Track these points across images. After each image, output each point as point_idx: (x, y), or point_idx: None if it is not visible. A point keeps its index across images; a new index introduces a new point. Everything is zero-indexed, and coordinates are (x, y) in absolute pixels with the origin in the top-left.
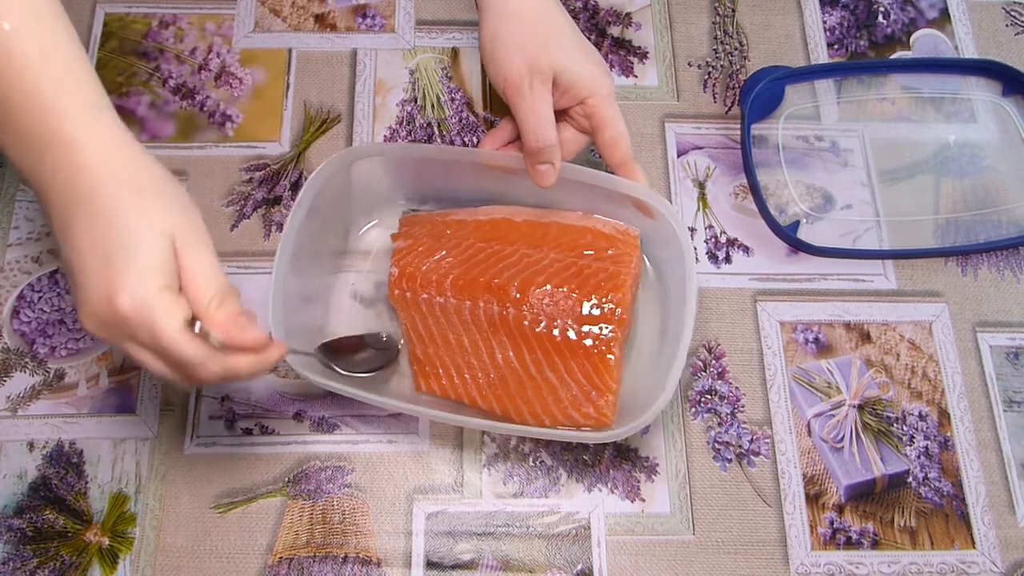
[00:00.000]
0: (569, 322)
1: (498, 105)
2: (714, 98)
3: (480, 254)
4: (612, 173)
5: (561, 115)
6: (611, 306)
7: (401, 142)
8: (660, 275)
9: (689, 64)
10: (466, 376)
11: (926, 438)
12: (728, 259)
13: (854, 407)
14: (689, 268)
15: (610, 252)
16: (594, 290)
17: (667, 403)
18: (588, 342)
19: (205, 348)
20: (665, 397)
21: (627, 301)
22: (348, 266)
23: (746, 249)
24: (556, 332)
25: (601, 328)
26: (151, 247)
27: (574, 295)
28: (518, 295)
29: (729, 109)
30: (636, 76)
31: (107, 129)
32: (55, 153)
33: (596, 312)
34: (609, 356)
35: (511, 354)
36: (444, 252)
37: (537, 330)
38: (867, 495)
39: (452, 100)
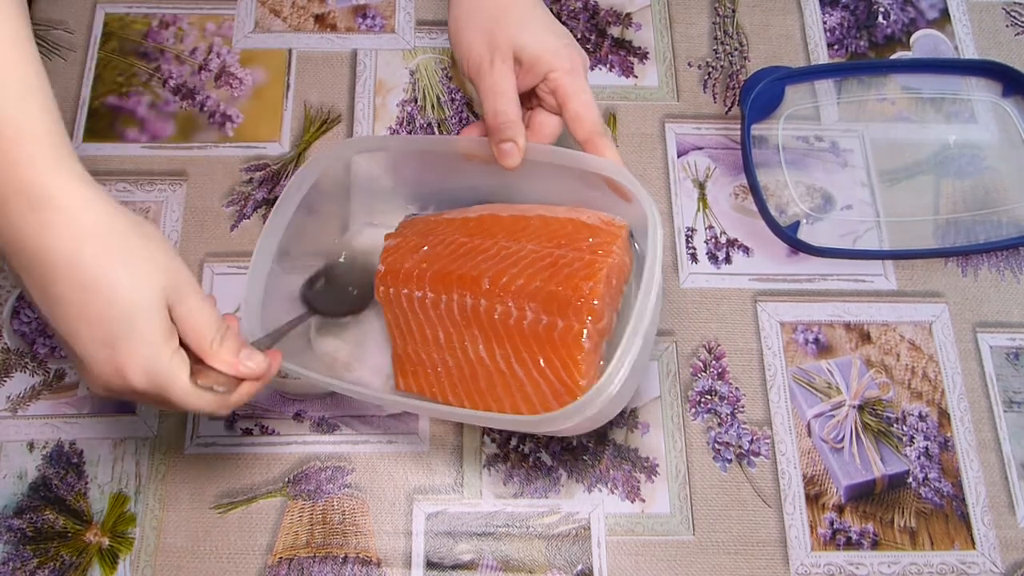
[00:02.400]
0: (540, 314)
1: None
2: (714, 98)
3: (461, 248)
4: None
5: (532, 96)
6: (583, 296)
7: (381, 135)
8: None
9: (689, 64)
10: (440, 371)
11: (926, 438)
12: (728, 259)
13: (854, 407)
14: (653, 245)
15: (590, 241)
16: (565, 280)
17: (610, 396)
18: (555, 334)
19: (214, 399)
20: (610, 390)
21: (599, 291)
22: None
23: (746, 249)
24: (526, 323)
25: (571, 319)
26: (149, 317)
27: (543, 285)
28: (489, 287)
29: (729, 109)
30: (636, 76)
31: (77, 182)
32: (22, 210)
33: (564, 304)
34: (576, 351)
35: (482, 348)
36: (427, 248)
37: (508, 322)
38: (867, 495)
39: (452, 100)
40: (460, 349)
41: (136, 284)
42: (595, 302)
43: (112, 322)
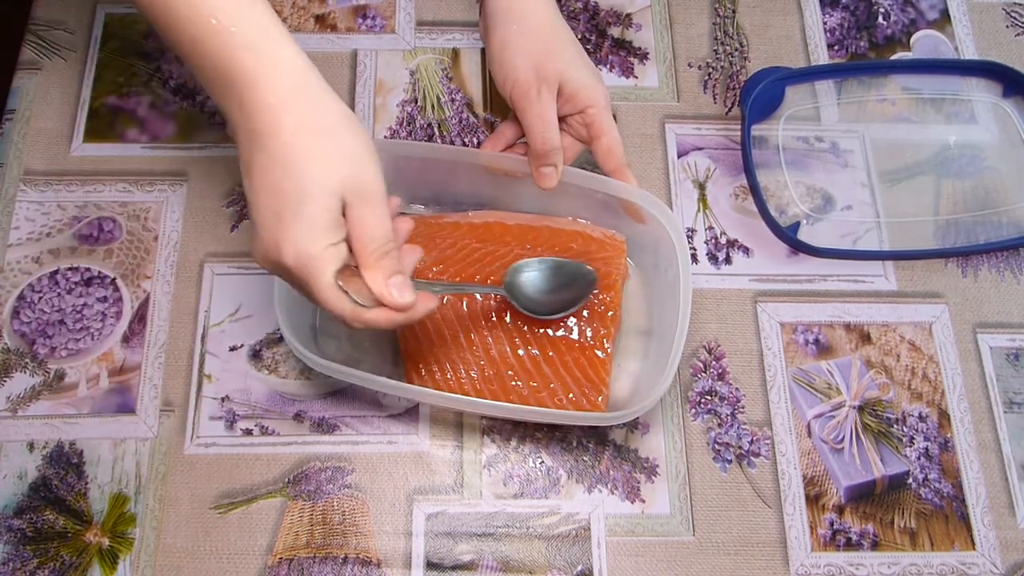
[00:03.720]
0: (566, 320)
1: (498, 106)
2: (714, 99)
3: (475, 253)
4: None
5: (559, 123)
6: (603, 304)
7: (404, 140)
8: (646, 278)
9: (689, 65)
10: (460, 371)
11: (926, 439)
12: (728, 260)
13: (854, 408)
14: (684, 270)
15: (601, 255)
16: None
17: (665, 392)
18: (582, 339)
19: (349, 306)
20: (664, 385)
21: (618, 302)
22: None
23: (746, 250)
24: (550, 328)
25: (594, 325)
26: (319, 205)
27: None
28: None
29: (729, 110)
30: (636, 77)
31: (285, 66)
32: (236, 88)
33: (588, 310)
34: (600, 352)
35: (507, 349)
36: (439, 252)
37: (532, 326)
38: (867, 496)
39: (452, 101)
40: (483, 349)
41: (317, 168)
42: (611, 313)
43: (285, 195)
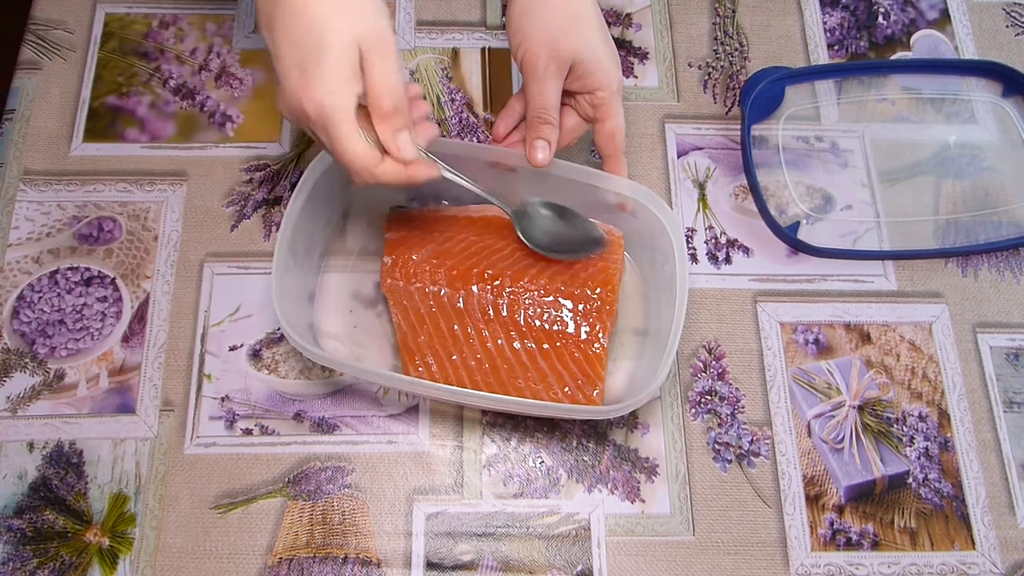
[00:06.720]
0: (561, 313)
1: (498, 105)
2: (714, 99)
3: (473, 247)
4: (600, 163)
5: (567, 97)
6: (600, 299)
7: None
8: (643, 275)
9: (689, 65)
10: (457, 362)
11: (926, 439)
12: (728, 260)
13: (854, 408)
14: (681, 264)
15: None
16: (584, 283)
17: (662, 383)
18: (578, 332)
19: (365, 149)
20: (660, 377)
21: (616, 296)
22: (348, 266)
23: (746, 250)
24: (547, 322)
25: (591, 319)
26: (340, 57)
27: (565, 287)
28: (511, 286)
29: (729, 110)
30: (636, 77)
31: None
32: None
33: (585, 305)
34: (596, 347)
35: (502, 342)
36: (436, 244)
37: (530, 320)
38: (867, 496)
39: (452, 101)
40: (479, 342)
41: (337, 19)
42: (609, 307)
43: (307, 47)
